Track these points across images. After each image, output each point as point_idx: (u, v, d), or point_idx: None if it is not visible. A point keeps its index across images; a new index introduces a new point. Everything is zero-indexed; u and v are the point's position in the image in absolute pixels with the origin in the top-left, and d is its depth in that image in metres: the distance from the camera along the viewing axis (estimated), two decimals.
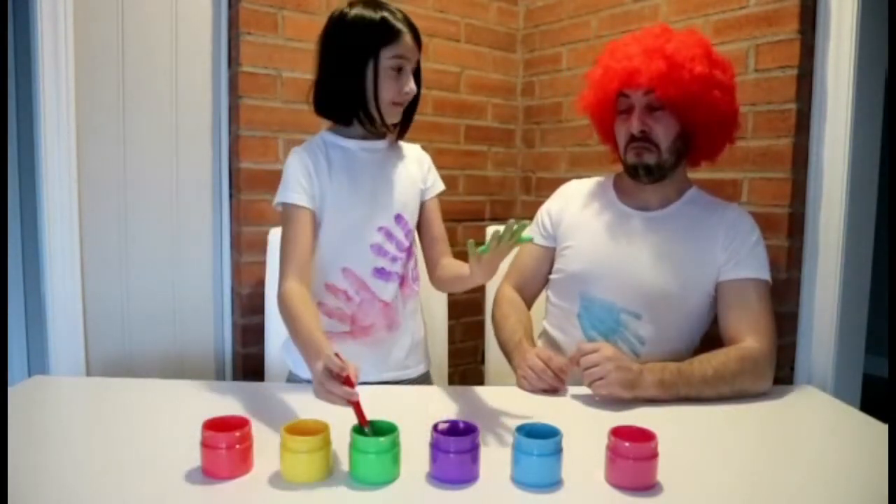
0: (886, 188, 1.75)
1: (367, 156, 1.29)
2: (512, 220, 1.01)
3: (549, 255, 1.50)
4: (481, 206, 2.25)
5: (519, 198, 2.35)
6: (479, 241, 1.06)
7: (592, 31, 2.07)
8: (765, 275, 1.33)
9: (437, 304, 1.64)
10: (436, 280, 1.36)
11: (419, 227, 1.38)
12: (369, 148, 1.29)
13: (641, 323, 1.33)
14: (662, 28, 1.36)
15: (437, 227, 1.38)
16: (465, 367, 2.24)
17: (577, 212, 1.47)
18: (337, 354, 0.97)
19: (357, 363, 1.05)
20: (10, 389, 1.17)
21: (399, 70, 1.21)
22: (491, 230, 1.12)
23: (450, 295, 1.66)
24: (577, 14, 2.11)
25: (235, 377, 1.82)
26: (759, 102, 1.62)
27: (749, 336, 1.28)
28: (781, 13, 1.57)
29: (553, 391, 1.27)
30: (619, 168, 1.47)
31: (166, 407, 1.16)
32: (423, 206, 1.37)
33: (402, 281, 1.32)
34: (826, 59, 1.55)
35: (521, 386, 1.30)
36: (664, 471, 0.86)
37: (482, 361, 1.82)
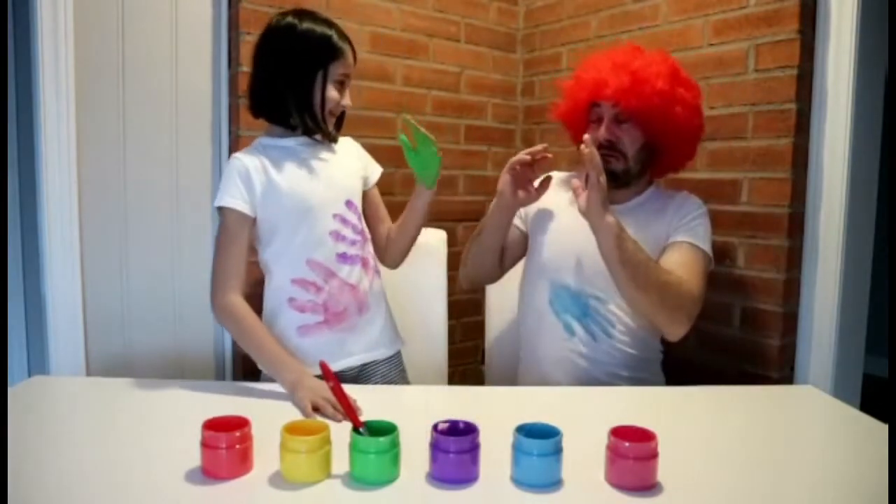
0: (886, 188, 1.75)
1: (307, 149, 1.34)
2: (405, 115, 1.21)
3: (523, 239, 1.56)
4: (481, 206, 2.25)
5: None
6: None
7: (592, 31, 2.07)
8: (701, 244, 1.40)
9: (437, 304, 1.64)
10: (388, 253, 1.45)
11: (365, 214, 1.43)
12: (307, 143, 1.34)
13: (609, 306, 1.39)
14: (633, 47, 1.47)
15: (383, 209, 1.48)
16: (465, 367, 2.24)
17: (546, 204, 1.53)
18: (322, 363, 0.99)
19: (334, 350, 1.22)
20: (10, 389, 1.17)
21: (342, 84, 1.30)
22: None
23: (450, 294, 1.66)
24: (577, 14, 2.11)
25: (235, 377, 1.82)
26: (759, 102, 1.62)
27: None
28: (781, 13, 1.57)
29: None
30: None
31: (166, 407, 1.16)
32: (366, 194, 1.44)
33: (364, 263, 1.36)
34: (826, 59, 1.55)
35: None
36: (664, 471, 0.86)
37: (482, 361, 1.82)
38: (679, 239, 1.40)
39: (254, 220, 1.29)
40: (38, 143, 1.54)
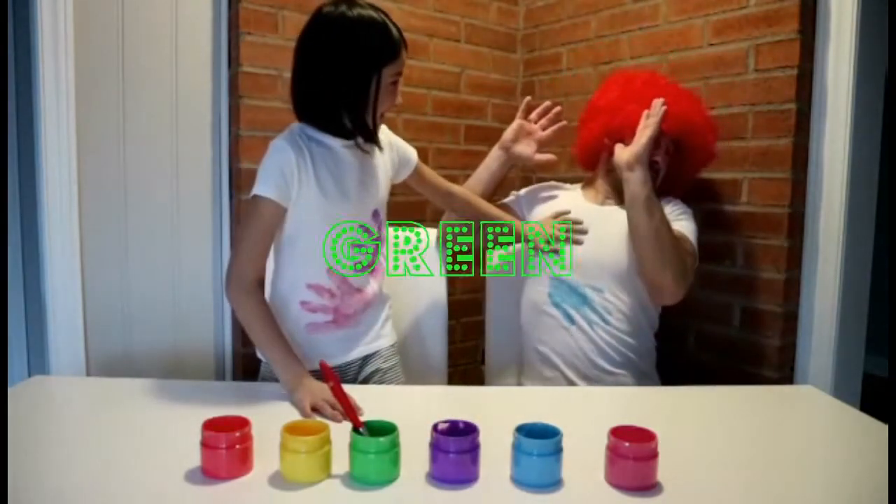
0: (886, 188, 1.75)
1: (350, 154, 1.28)
2: None
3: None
4: None
5: None
6: None
7: (592, 31, 2.07)
8: (687, 234, 1.47)
9: (436, 304, 1.64)
10: (457, 199, 1.52)
11: (423, 190, 1.48)
12: (351, 145, 1.28)
13: (605, 295, 1.47)
14: (681, 88, 1.59)
15: (434, 178, 1.49)
16: (465, 367, 2.24)
17: (547, 204, 1.63)
18: (322, 364, 0.99)
19: (341, 346, 1.24)
20: (10, 389, 1.17)
21: (395, 83, 1.23)
22: None
23: (450, 295, 1.66)
24: (577, 14, 2.11)
25: (235, 377, 1.82)
26: (759, 102, 1.62)
27: None
28: (781, 13, 1.57)
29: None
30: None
31: (166, 407, 1.15)
32: (415, 177, 1.44)
33: (374, 268, 1.36)
34: (826, 59, 1.55)
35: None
36: (664, 471, 0.86)
37: (482, 361, 1.82)
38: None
39: (285, 211, 1.24)
40: (38, 143, 1.54)
